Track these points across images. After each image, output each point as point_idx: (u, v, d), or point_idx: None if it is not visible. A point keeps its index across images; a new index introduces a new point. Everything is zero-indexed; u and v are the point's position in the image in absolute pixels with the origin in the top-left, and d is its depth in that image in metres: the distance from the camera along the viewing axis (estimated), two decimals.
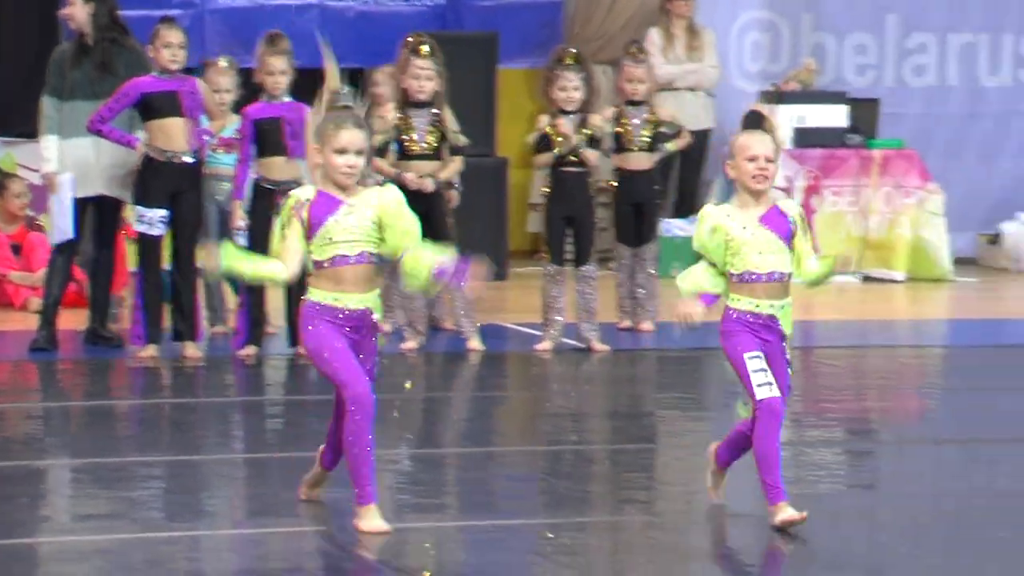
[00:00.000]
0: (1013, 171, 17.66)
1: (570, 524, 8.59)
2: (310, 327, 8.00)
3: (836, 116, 16.67)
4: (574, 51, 13.25)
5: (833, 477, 9.97)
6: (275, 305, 13.12)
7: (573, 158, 12.94)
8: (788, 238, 8.19)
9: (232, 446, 10.64)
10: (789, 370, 8.33)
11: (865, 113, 16.88)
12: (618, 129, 13.66)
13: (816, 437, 10.98)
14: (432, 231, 11.92)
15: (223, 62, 13.55)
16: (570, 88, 12.95)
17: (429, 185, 12.71)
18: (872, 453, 10.62)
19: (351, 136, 8.00)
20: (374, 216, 7.97)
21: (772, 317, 8.18)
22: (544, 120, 13.03)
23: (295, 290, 12.56)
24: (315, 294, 8.01)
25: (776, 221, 8.19)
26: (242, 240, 12.81)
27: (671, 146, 14.19)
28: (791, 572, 8.16)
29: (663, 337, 13.56)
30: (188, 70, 12.80)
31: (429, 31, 14.49)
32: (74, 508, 9.00)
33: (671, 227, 16.42)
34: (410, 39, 12.97)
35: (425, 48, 12.78)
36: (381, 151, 12.82)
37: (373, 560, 7.84)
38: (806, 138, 16.62)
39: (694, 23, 17.07)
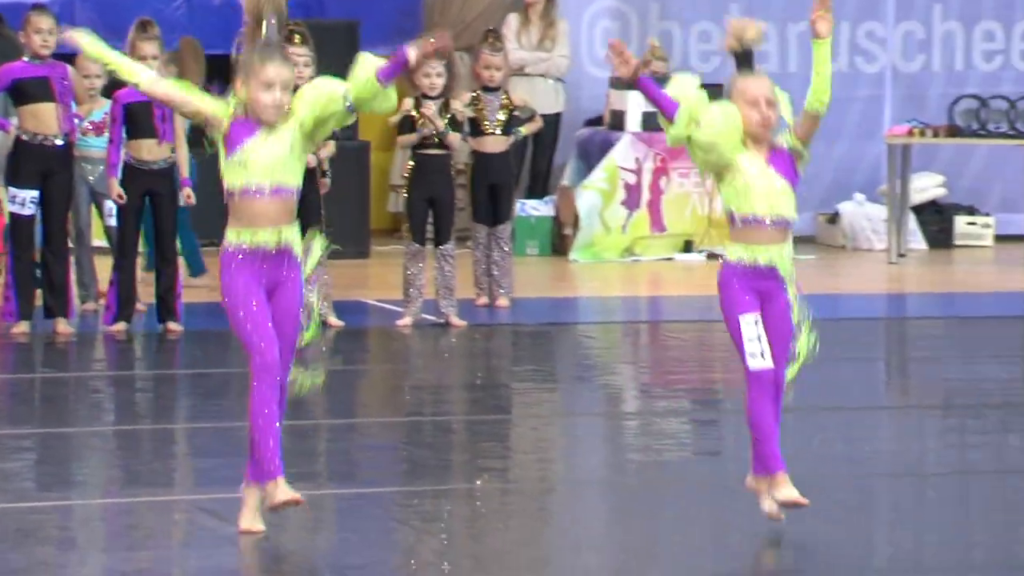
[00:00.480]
0: (849, 154, 17.76)
1: (429, 492, 8.58)
2: (229, 277, 7.27)
3: None
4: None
5: (680, 445, 10.01)
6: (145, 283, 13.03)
7: (436, 141, 12.96)
8: (794, 178, 7.69)
9: (103, 418, 10.55)
10: (792, 314, 7.71)
11: (710, 98, 16.91)
12: (474, 114, 13.66)
13: (664, 407, 11.02)
14: (306, 213, 12.14)
15: None
16: (433, 74, 12.97)
17: (313, 161, 12.70)
18: (717, 422, 10.67)
19: (278, 70, 7.30)
20: (298, 131, 7.31)
21: (771, 267, 7.57)
22: (408, 103, 13.00)
23: (164, 271, 12.58)
24: (230, 235, 7.29)
25: (782, 162, 7.65)
26: (113, 221, 12.78)
27: (524, 130, 14.21)
28: (640, 534, 8.16)
29: (518, 313, 13.58)
30: (59, 56, 12.68)
31: (293, 19, 14.43)
32: None
33: (525, 207, 16.42)
34: (288, 26, 12.97)
35: (298, 37, 12.77)
36: None
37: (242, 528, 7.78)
38: (655, 122, 16.58)
39: (550, 12, 17.06)
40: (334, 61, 14.62)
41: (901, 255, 16.61)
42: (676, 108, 7.69)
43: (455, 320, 12.96)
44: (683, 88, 7.78)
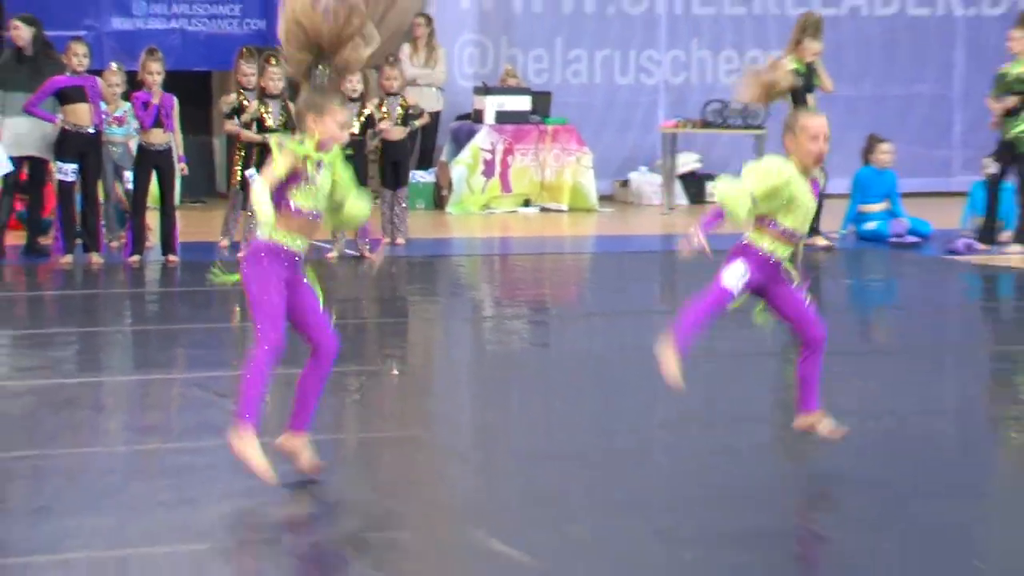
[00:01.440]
0: (636, 140, 17.80)
1: (353, 371, 8.56)
2: (257, 266, 6.20)
3: (523, 103, 16.68)
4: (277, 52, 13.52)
5: (521, 339, 10.04)
6: (152, 225, 12.91)
7: (353, 133, 12.94)
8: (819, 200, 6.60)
9: (123, 322, 10.44)
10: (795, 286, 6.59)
11: (542, 101, 16.91)
12: (381, 112, 13.61)
13: (510, 313, 11.03)
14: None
15: (115, 66, 13.32)
16: (355, 81, 12.98)
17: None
18: (546, 323, 10.70)
19: (347, 113, 6.27)
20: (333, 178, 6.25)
21: (779, 261, 6.55)
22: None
23: (166, 220, 12.47)
24: (276, 235, 6.19)
25: (815, 186, 6.55)
26: (130, 185, 12.69)
27: (417, 123, 14.17)
28: (494, 402, 8.17)
29: (411, 249, 13.55)
30: (91, 71, 12.60)
31: (255, 45, 14.34)
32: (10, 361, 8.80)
33: (416, 176, 16.35)
34: (266, 53, 13.17)
35: (274, 59, 12.80)
36: (247, 125, 12.85)
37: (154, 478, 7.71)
38: (504, 117, 16.62)
39: (431, 41, 16.98)
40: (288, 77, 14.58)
41: (671, 208, 16.68)
42: (720, 214, 6.59)
43: (367, 253, 12.90)
44: (728, 190, 6.56)
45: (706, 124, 16.67)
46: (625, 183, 17.58)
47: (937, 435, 7.27)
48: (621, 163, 17.72)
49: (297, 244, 6.24)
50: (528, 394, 8.21)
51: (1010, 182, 13.64)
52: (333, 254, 12.86)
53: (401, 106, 13.79)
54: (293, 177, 6.09)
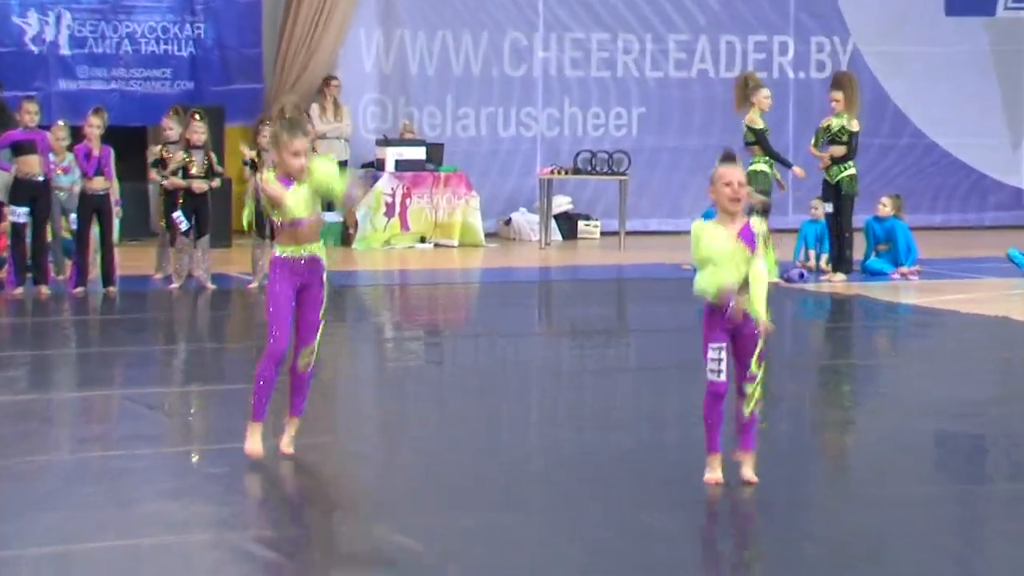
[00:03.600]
0: (516, 184, 17.84)
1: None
2: (275, 282, 6.36)
3: (419, 153, 16.67)
4: (266, 116, 13.40)
5: (418, 357, 10.03)
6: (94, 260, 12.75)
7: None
8: (752, 245, 5.99)
9: (69, 345, 10.29)
10: (759, 343, 6.05)
11: (435, 151, 16.92)
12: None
13: (409, 335, 11.02)
14: (199, 219, 12.31)
15: (61, 123, 13.15)
16: (267, 135, 12.86)
17: (204, 186, 12.59)
18: (440, 344, 10.70)
19: (302, 143, 6.37)
20: (311, 186, 6.37)
21: (740, 310, 6.02)
22: (247, 153, 12.97)
23: (106, 256, 12.31)
24: (280, 249, 6.42)
25: (748, 236, 5.99)
26: (75, 225, 12.55)
27: None
28: (393, 413, 8.14)
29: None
30: (41, 126, 12.45)
31: (183, 104, 14.24)
32: None
33: (326, 216, 16.21)
34: (192, 110, 13.05)
35: (198, 115, 12.73)
36: (175, 172, 12.72)
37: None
38: (402, 166, 16.60)
39: (337, 100, 16.94)
40: (211, 131, 14.49)
41: (547, 244, 16.76)
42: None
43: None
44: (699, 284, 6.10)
45: (577, 171, 16.80)
46: (508, 222, 17.66)
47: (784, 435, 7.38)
48: (504, 204, 17.79)
49: (306, 250, 6.39)
50: (425, 404, 8.21)
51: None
52: (254, 285, 12.76)
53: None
54: (274, 202, 6.32)
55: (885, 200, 14.44)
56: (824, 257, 14.09)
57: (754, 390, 6.07)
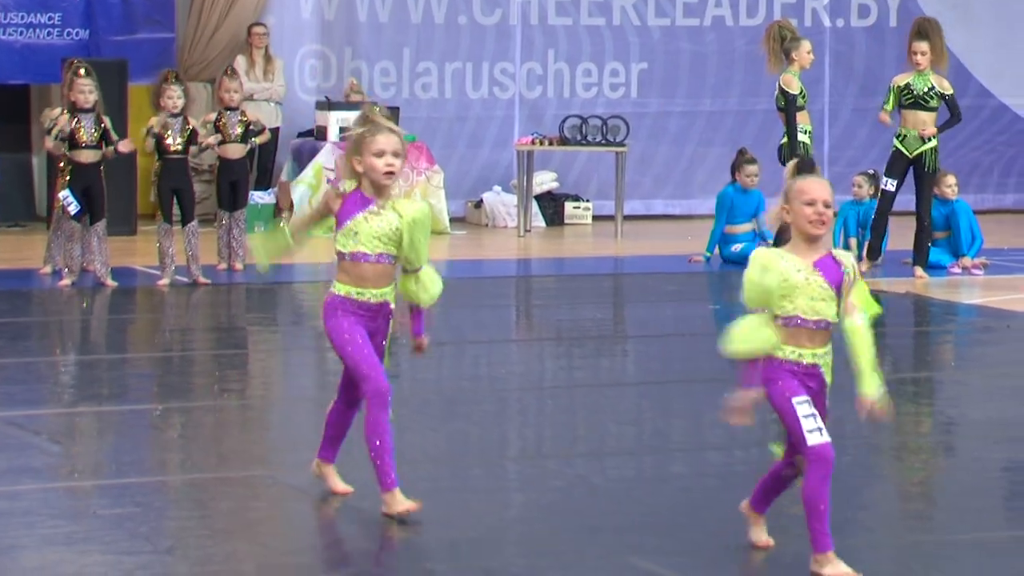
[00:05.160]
0: (490, 157, 17.87)
1: (178, 408, 8.48)
2: (334, 318, 6.38)
3: None
4: (175, 71, 13.36)
5: None
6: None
7: (177, 147, 12.86)
8: (839, 287, 5.71)
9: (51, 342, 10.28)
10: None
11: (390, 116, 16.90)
12: (219, 127, 13.54)
13: None
14: (92, 201, 12.25)
15: None
16: (175, 97, 12.85)
17: (95, 156, 12.53)
18: (394, 352, 10.65)
19: (387, 139, 6.32)
20: (399, 225, 6.33)
21: (815, 365, 5.74)
22: (154, 121, 12.93)
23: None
24: (339, 287, 6.40)
25: (830, 269, 5.72)
26: None
27: (257, 140, 14.09)
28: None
29: (249, 275, 13.45)
30: None
31: (78, 57, 14.17)
32: None
33: (254, 196, 16.24)
34: (74, 63, 12.85)
35: (83, 70, 12.59)
36: (59, 140, 12.55)
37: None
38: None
39: (269, 52, 16.92)
40: (110, 90, 14.46)
41: (527, 231, 16.78)
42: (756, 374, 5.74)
43: (201, 279, 12.82)
44: (747, 333, 5.75)
45: (564, 141, 16.80)
46: (478, 204, 17.66)
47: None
48: (474, 182, 17.79)
49: (370, 295, 6.34)
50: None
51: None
52: (163, 281, 12.74)
53: (241, 121, 13.70)
54: (338, 222, 6.31)
55: (861, 180, 14.46)
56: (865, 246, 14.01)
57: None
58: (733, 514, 6.16)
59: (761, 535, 6.01)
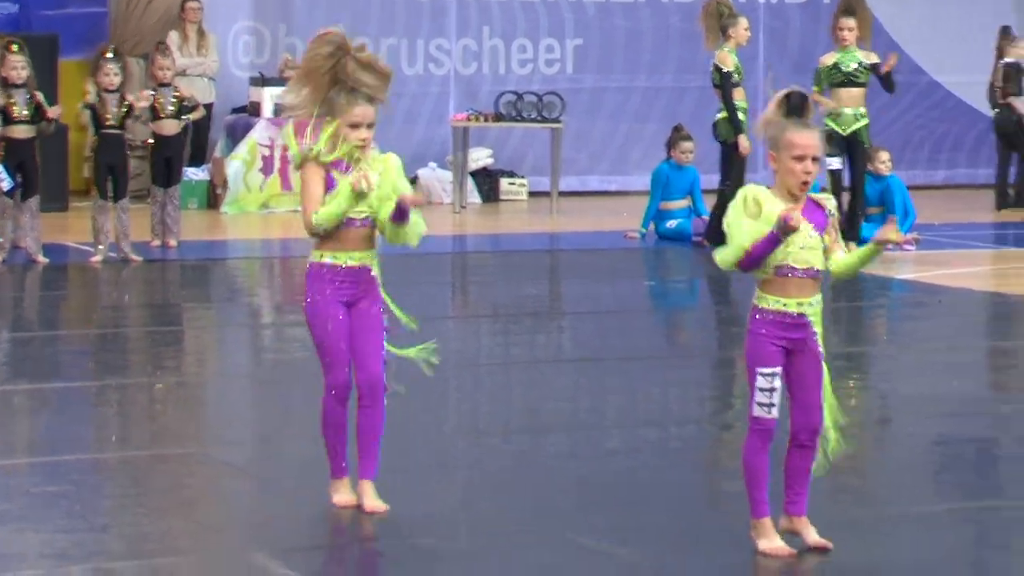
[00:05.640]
0: (425, 134, 17.81)
1: (115, 384, 8.43)
2: (313, 298, 6.21)
3: None
4: (113, 46, 13.22)
5: (302, 347, 9.91)
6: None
7: (114, 123, 12.76)
8: (822, 232, 5.61)
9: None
10: (824, 365, 5.74)
11: None
12: (154, 104, 13.45)
13: (290, 320, 10.94)
14: (26, 176, 12.16)
15: None
16: (112, 74, 12.74)
17: (30, 131, 12.41)
18: (306, 326, 10.63)
19: (363, 110, 6.32)
20: (380, 178, 6.30)
21: (801, 315, 5.60)
22: (91, 96, 12.82)
23: None
24: (321, 255, 6.26)
25: (815, 214, 5.58)
26: None
27: (191, 116, 14.00)
28: (274, 413, 8.10)
29: (184, 252, 13.36)
30: None
31: (6, 32, 14.04)
32: None
33: (188, 173, 16.14)
34: (5, 39, 12.74)
35: (15, 46, 12.49)
36: None
37: None
38: (283, 111, 16.51)
39: (202, 27, 16.81)
40: (41, 65, 14.31)
41: (463, 207, 16.76)
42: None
43: (134, 257, 12.73)
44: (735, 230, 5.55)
45: (499, 117, 16.78)
46: (414, 180, 17.59)
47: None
48: (409, 159, 17.58)
49: (353, 259, 6.20)
50: (310, 405, 8.16)
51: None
52: (96, 258, 12.64)
53: (175, 98, 13.61)
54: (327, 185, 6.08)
55: (884, 156, 14.50)
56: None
57: (830, 443, 5.70)
58: (671, 490, 6.17)
59: (811, 535, 5.73)
